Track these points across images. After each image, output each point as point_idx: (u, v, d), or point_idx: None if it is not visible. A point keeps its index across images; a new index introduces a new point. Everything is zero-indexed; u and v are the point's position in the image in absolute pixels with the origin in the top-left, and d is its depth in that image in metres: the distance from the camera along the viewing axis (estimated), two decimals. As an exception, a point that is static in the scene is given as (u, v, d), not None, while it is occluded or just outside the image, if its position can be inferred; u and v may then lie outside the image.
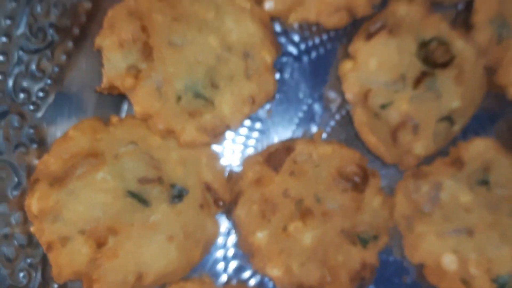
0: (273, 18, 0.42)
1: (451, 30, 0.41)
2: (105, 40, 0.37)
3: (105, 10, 0.38)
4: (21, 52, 0.35)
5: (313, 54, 0.43)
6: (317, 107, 0.43)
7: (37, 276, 0.35)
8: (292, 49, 0.43)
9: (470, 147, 0.41)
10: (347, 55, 0.42)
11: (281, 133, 0.42)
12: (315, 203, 0.39)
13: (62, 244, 0.34)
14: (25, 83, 0.35)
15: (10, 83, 0.34)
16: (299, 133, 0.43)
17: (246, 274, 0.41)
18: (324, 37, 0.43)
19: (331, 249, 0.38)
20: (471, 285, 0.39)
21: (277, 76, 0.42)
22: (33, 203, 0.34)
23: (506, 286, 0.38)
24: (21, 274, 0.34)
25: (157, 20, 0.38)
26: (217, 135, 0.39)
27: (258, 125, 0.42)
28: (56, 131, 0.37)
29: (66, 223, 0.34)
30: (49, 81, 0.36)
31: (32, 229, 0.34)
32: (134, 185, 0.37)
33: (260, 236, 0.38)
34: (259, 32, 0.39)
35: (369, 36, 0.41)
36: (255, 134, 0.42)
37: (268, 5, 0.41)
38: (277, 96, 0.42)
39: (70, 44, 0.37)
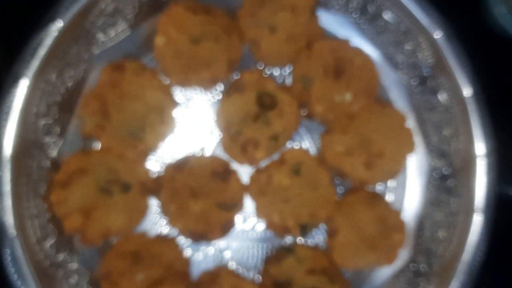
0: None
1: (276, 87, 0.71)
2: (82, 111, 0.70)
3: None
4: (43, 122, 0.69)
5: (204, 101, 0.75)
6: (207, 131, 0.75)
7: (57, 233, 0.69)
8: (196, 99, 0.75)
9: (289, 153, 0.71)
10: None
11: (184, 149, 0.74)
12: (201, 189, 0.70)
13: (68, 215, 0.68)
14: (45, 139, 0.69)
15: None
16: (197, 149, 0.74)
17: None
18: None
19: (209, 213, 0.70)
20: (289, 231, 0.69)
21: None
22: (53, 197, 0.68)
23: (307, 227, 0.69)
24: (50, 227, 0.68)
25: (111, 99, 0.70)
26: (146, 155, 0.72)
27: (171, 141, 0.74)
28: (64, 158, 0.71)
29: (70, 205, 0.68)
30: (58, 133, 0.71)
31: (55, 210, 0.68)
32: (104, 184, 0.70)
33: (173, 208, 0.70)
34: (164, 98, 0.71)
35: (229, 94, 0.72)
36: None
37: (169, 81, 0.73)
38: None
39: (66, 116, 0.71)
